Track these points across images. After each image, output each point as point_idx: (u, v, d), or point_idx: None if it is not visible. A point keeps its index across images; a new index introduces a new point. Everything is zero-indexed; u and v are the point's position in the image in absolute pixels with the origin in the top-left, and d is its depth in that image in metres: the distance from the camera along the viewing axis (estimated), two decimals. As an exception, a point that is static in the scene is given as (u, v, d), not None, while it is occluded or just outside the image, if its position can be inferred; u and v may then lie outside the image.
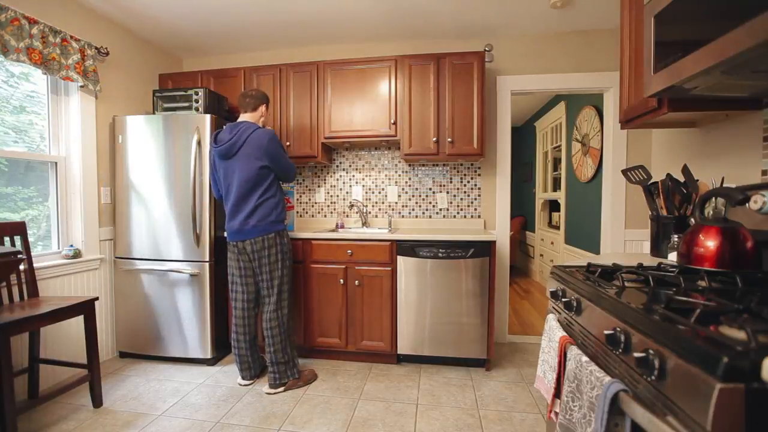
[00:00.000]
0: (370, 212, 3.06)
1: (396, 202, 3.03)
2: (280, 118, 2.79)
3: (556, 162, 4.61)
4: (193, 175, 2.37)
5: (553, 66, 2.79)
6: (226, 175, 2.12)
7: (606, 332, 0.84)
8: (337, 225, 3.01)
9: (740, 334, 0.62)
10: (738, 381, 0.53)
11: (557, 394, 1.06)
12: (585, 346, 1.00)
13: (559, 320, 1.19)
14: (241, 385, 2.22)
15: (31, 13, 2.03)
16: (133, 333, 2.54)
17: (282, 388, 2.16)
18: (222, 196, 2.20)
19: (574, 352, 0.94)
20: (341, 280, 2.46)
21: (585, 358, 0.89)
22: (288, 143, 2.78)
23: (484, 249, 2.31)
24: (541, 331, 3.10)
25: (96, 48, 2.40)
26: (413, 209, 3.01)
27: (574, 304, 1.07)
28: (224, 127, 2.16)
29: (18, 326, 1.60)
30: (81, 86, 2.34)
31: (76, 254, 2.33)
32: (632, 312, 0.78)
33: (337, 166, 3.10)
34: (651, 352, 0.68)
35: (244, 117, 2.19)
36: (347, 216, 3.09)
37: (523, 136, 6.05)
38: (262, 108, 2.22)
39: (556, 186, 4.65)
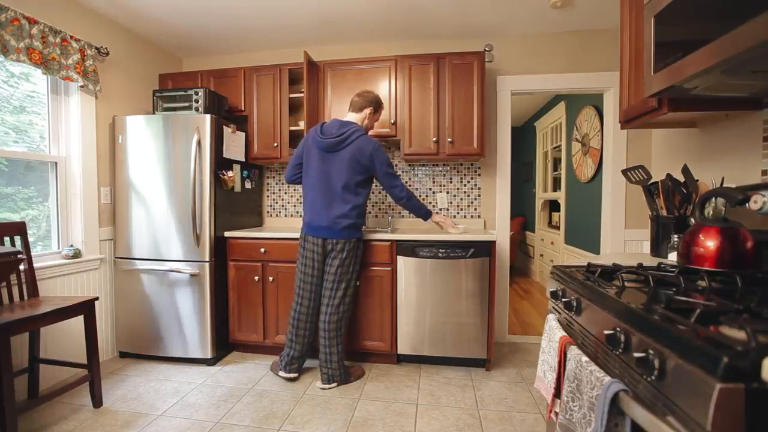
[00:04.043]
0: (370, 212, 3.06)
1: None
2: (281, 117, 2.79)
3: (556, 162, 4.61)
4: (193, 175, 2.37)
5: (553, 66, 2.79)
6: (321, 168, 2.13)
7: (606, 332, 0.84)
8: (337, 225, 3.00)
9: (740, 334, 0.62)
10: (738, 381, 0.53)
11: (557, 394, 1.06)
12: (585, 346, 1.00)
13: (559, 320, 1.19)
14: (288, 379, 2.25)
15: (31, 13, 2.03)
16: (133, 333, 2.54)
17: (335, 384, 2.19)
18: (294, 181, 2.27)
19: (574, 352, 0.94)
20: (341, 280, 2.46)
21: (585, 358, 0.89)
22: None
23: (484, 249, 2.31)
24: (541, 331, 3.10)
25: (96, 48, 2.41)
26: (413, 209, 3.00)
27: (574, 304, 1.07)
28: (331, 120, 2.18)
29: (18, 326, 1.60)
30: (81, 86, 2.34)
31: (76, 254, 2.33)
32: (632, 312, 0.79)
33: (337, 166, 3.09)
34: (651, 352, 0.68)
35: (348, 115, 2.22)
36: (347, 216, 3.09)
37: (523, 136, 6.05)
38: (367, 110, 2.20)
39: (556, 186, 4.65)
